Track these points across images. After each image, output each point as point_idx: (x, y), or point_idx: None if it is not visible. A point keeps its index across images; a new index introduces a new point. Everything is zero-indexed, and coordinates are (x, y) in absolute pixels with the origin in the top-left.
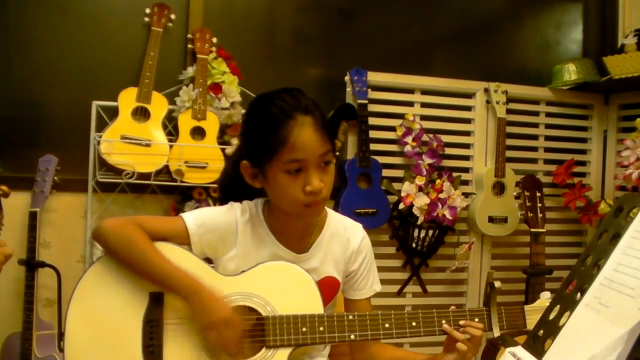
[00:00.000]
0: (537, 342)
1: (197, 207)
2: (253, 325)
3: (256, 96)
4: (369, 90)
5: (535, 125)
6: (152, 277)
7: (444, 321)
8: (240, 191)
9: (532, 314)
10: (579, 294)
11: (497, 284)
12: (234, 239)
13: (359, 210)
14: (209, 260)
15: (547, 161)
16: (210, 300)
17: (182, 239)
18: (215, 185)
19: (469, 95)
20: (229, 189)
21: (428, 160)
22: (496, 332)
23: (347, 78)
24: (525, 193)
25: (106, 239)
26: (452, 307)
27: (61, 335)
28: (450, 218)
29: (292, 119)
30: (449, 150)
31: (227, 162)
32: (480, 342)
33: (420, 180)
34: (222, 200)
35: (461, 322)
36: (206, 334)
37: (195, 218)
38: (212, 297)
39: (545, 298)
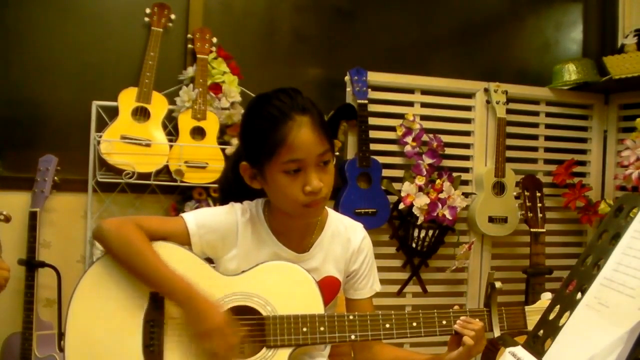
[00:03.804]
0: (537, 342)
1: (197, 207)
2: (253, 325)
3: (253, 97)
4: (369, 90)
5: (535, 125)
6: (148, 280)
7: (444, 321)
8: (240, 191)
9: (533, 315)
10: (579, 294)
11: (498, 284)
12: (235, 239)
13: (359, 210)
14: (209, 260)
15: (547, 161)
16: (204, 307)
17: (183, 239)
18: (215, 185)
19: (469, 95)
20: (229, 189)
21: (428, 160)
22: (497, 333)
23: (347, 78)
24: (525, 193)
25: (106, 239)
26: (456, 306)
27: (61, 335)
28: (450, 218)
29: (289, 119)
30: (449, 150)
31: (226, 162)
32: (483, 337)
33: (420, 180)
34: (222, 201)
35: (462, 318)
36: (200, 341)
37: (195, 218)
38: (206, 304)
39: (546, 299)
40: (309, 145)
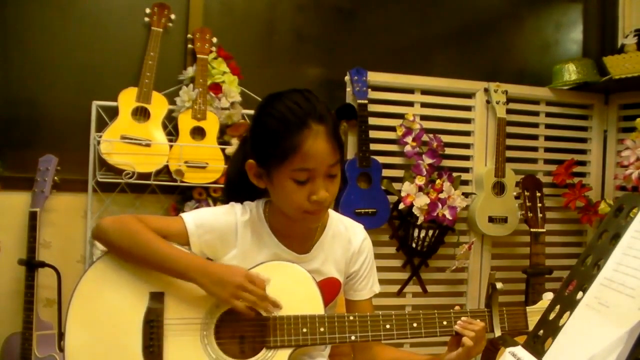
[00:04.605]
0: (537, 342)
1: (197, 207)
2: (253, 325)
3: (268, 95)
4: (369, 90)
5: (535, 125)
6: (159, 264)
7: (445, 322)
8: (244, 189)
9: (534, 316)
10: (579, 294)
11: (499, 285)
12: (234, 239)
13: (359, 210)
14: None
15: (547, 161)
16: (223, 271)
17: (182, 239)
18: (215, 185)
19: (469, 95)
20: (233, 185)
21: (428, 160)
22: (498, 333)
23: (347, 78)
24: (525, 193)
25: (108, 234)
26: (457, 307)
27: (61, 335)
28: (450, 218)
29: (306, 126)
30: (449, 150)
31: (233, 156)
32: (483, 338)
33: (420, 180)
34: (226, 198)
35: (463, 319)
36: (234, 300)
37: (194, 218)
38: (222, 268)
39: (547, 299)
40: (322, 156)
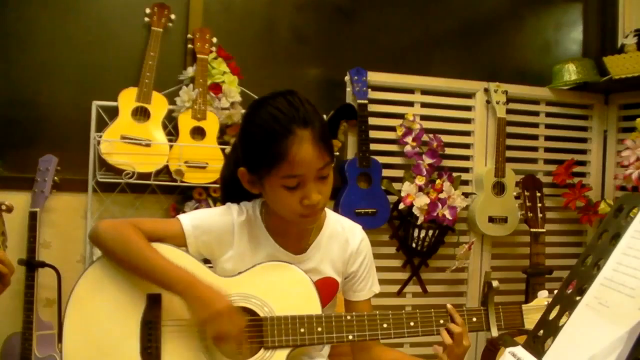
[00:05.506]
0: (537, 342)
1: (197, 207)
2: (251, 326)
3: (253, 102)
4: (369, 90)
5: (535, 125)
6: (148, 274)
7: (442, 320)
8: (240, 191)
9: (530, 313)
10: (579, 294)
11: (495, 283)
12: (231, 240)
13: (359, 210)
14: (206, 262)
15: (547, 161)
16: (207, 293)
17: (179, 240)
18: (215, 185)
19: (469, 95)
20: (229, 189)
21: (428, 160)
22: (494, 332)
23: (347, 78)
24: (525, 193)
25: (102, 239)
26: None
27: (61, 336)
28: (450, 218)
29: (290, 133)
30: (449, 150)
31: (225, 162)
32: (461, 340)
33: (420, 180)
34: (223, 200)
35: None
36: (205, 327)
37: (191, 219)
38: (209, 290)
39: (542, 297)
40: (309, 161)
